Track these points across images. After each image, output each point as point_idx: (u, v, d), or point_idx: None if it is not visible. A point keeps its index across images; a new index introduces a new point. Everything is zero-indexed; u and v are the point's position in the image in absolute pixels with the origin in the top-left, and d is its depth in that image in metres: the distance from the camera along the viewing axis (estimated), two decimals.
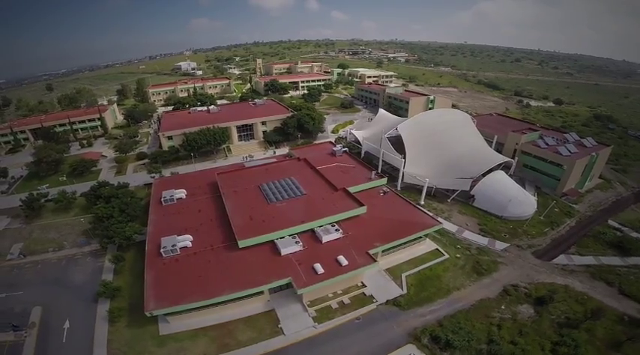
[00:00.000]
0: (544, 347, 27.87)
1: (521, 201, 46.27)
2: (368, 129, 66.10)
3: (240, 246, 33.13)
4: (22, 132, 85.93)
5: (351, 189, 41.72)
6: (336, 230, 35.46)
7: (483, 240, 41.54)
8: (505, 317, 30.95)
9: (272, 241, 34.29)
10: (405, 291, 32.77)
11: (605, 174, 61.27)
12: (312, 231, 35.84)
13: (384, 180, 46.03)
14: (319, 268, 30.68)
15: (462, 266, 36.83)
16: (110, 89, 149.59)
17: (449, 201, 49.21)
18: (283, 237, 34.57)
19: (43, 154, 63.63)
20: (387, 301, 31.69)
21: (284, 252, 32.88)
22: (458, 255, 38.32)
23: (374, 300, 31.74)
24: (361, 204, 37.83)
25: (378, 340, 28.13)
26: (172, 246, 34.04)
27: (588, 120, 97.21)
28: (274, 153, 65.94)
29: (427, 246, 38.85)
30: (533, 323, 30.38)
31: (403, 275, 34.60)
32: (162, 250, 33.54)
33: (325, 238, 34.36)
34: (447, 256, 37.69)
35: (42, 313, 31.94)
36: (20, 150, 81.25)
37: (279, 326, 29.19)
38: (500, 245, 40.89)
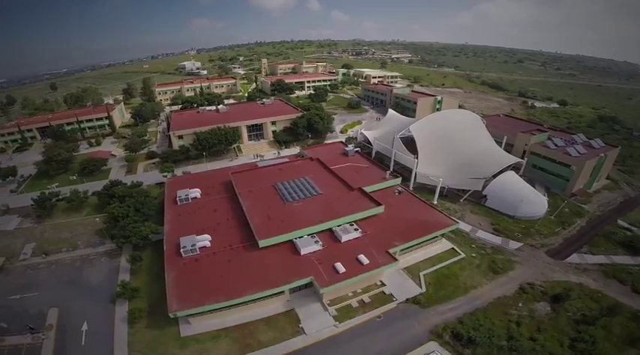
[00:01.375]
0: (563, 343, 28.47)
1: (533, 201, 46.88)
2: (378, 129, 66.60)
3: (260, 246, 33.45)
4: (30, 130, 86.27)
5: (367, 189, 42.18)
6: (355, 229, 35.93)
7: (497, 240, 42.11)
8: (523, 314, 31.54)
9: (291, 241, 34.62)
10: (424, 290, 33.28)
11: (612, 175, 61.93)
12: (331, 230, 36.26)
13: (399, 180, 46.55)
14: (340, 267, 31.10)
15: (478, 265, 37.39)
16: (115, 88, 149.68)
17: (461, 201, 49.77)
18: (302, 237, 34.98)
19: (54, 153, 63.62)
20: (407, 299, 32.18)
21: (304, 251, 33.23)
22: (473, 254, 38.88)
23: (394, 299, 32.22)
24: (379, 204, 38.30)
25: (400, 338, 28.58)
26: (192, 245, 34.13)
27: (593, 121, 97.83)
28: (278, 153, 65.81)
29: (443, 245, 39.39)
30: (550, 320, 30.97)
31: (421, 274, 35.12)
32: (182, 250, 33.68)
33: (345, 237, 34.78)
34: (463, 255, 38.25)
35: (59, 315, 31.69)
36: (27, 148, 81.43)
37: (300, 325, 29.43)
38: (513, 244, 41.46)
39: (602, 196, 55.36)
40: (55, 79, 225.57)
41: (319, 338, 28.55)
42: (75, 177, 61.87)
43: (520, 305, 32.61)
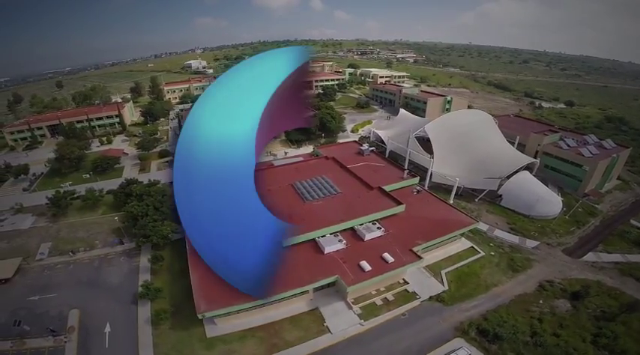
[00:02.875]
0: (585, 338, 29.11)
1: (549, 200, 47.46)
2: (391, 128, 67.08)
3: (283, 245, 33.75)
4: (39, 128, 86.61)
5: (385, 188, 42.62)
6: (378, 228, 36.42)
7: (514, 238, 42.66)
8: (544, 311, 32.15)
9: (313, 239, 34.91)
10: (446, 287, 33.83)
11: (622, 176, 62.40)
12: (353, 229, 36.71)
13: (416, 180, 47.00)
14: (366, 265, 31.54)
15: (497, 264, 37.96)
16: (122, 87, 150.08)
17: (476, 200, 50.32)
18: (324, 236, 35.28)
19: (66, 151, 63.79)
20: (431, 297, 32.70)
21: (327, 250, 33.61)
22: (492, 253, 39.44)
23: (417, 297, 32.74)
24: (400, 203, 38.79)
25: (425, 334, 29.12)
26: None
27: (600, 122, 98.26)
28: (285, 154, 65.36)
29: (462, 244, 39.95)
30: (571, 317, 31.57)
31: (443, 272, 35.67)
32: None
33: (368, 236, 35.26)
34: (482, 254, 38.80)
35: (80, 316, 31.16)
36: (37, 146, 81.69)
37: (325, 324, 29.71)
38: (530, 243, 42.01)
39: (613, 196, 55.87)
40: (58, 78, 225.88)
41: (345, 336, 28.85)
42: (88, 176, 62.12)
43: (541, 302, 33.20)
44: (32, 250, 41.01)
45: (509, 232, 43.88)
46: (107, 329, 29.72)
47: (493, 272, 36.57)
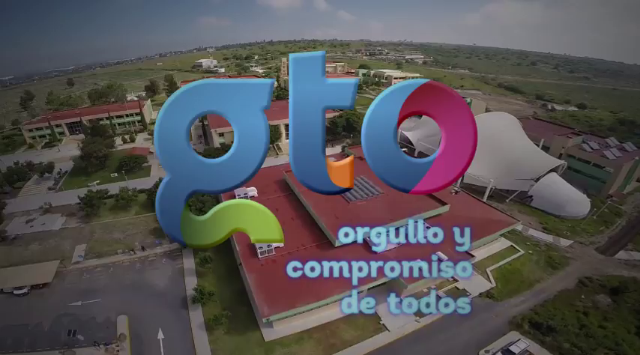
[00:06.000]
0: (630, 330, 30.86)
1: (578, 201, 49.30)
2: (419, 130, 68.44)
3: (335, 245, 34.64)
4: (58, 125, 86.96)
5: None
6: (427, 227, 37.64)
7: (548, 238, 44.38)
8: (587, 305, 33.88)
9: (363, 239, 35.98)
10: (494, 284, 35.38)
11: None
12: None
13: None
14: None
15: (537, 261, 39.64)
16: (134, 85, 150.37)
17: (507, 201, 51.94)
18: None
19: (94, 149, 64.17)
20: (480, 294, 34.27)
21: (381, 249, 34.65)
22: (530, 251, 41.10)
23: (468, 293, 34.16)
24: (444, 203, 40.23)
25: (481, 329, 30.51)
26: (267, 245, 33.64)
27: (613, 124, 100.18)
28: None
29: (502, 243, 41.50)
30: (613, 310, 33.33)
31: (488, 270, 37.23)
32: (258, 250, 33.56)
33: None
34: (522, 252, 40.42)
35: (129, 323, 30.15)
36: (57, 144, 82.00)
37: (381, 322, 30.35)
38: (564, 242, 43.76)
39: (635, 198, 57.77)
40: (65, 76, 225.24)
41: (403, 333, 29.61)
42: (116, 174, 62.36)
43: (583, 297, 34.92)
44: (67, 252, 40.04)
45: (543, 231, 45.61)
46: (160, 335, 28.87)
47: (534, 270, 38.23)
